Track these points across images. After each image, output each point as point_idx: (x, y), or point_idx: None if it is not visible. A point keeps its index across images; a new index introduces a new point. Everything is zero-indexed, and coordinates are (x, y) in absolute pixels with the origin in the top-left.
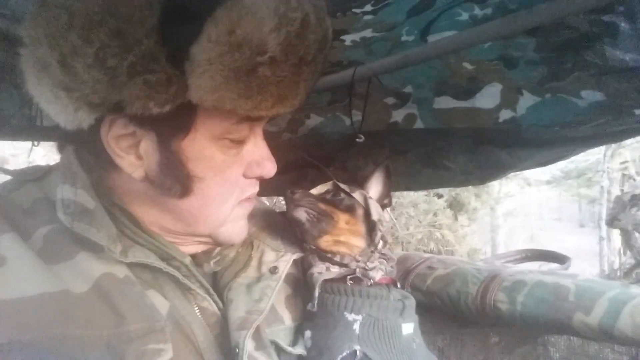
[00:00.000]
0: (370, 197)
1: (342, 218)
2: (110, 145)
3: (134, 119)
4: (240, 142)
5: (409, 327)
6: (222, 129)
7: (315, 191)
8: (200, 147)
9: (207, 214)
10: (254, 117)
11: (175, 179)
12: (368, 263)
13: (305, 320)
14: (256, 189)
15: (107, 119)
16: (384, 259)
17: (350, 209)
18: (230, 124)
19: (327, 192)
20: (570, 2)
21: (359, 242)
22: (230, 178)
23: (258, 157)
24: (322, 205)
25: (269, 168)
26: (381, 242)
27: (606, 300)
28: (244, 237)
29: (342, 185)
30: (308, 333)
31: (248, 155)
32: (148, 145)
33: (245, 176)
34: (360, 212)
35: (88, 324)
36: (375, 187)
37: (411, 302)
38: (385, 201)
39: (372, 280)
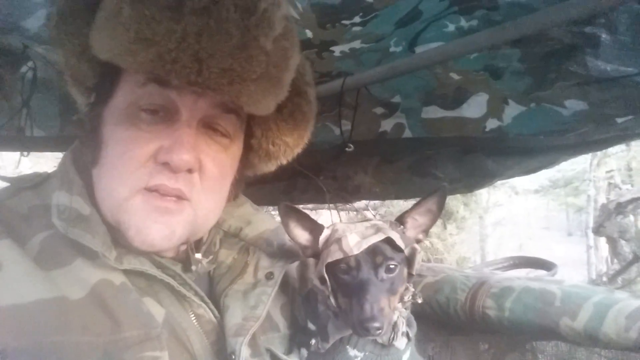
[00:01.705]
0: (419, 251)
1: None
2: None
3: (94, 93)
4: (157, 118)
5: (407, 354)
6: (133, 94)
7: (359, 234)
8: (115, 112)
9: (104, 184)
10: (157, 79)
11: (90, 143)
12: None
13: (302, 334)
14: (172, 182)
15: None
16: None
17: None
18: (138, 87)
19: (376, 252)
20: (553, 15)
21: (395, 306)
22: (134, 154)
23: (172, 141)
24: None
25: (176, 157)
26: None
27: (591, 305)
28: (161, 245)
29: (395, 237)
30: (304, 352)
31: (164, 138)
32: None
33: (155, 160)
34: (405, 273)
35: (84, 330)
36: (420, 215)
37: (413, 331)
38: (420, 236)
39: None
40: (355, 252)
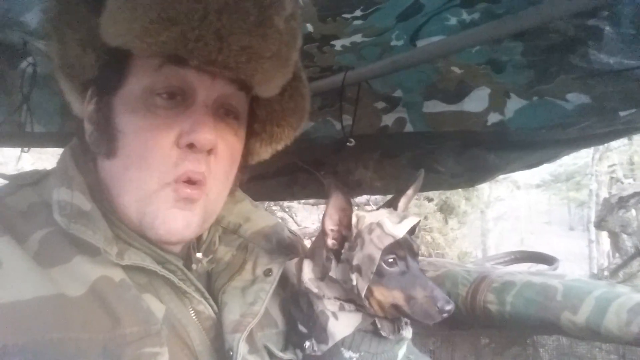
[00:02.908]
0: None
1: None
2: (85, 117)
3: (94, 85)
4: (173, 102)
5: (403, 349)
6: (148, 79)
7: (390, 220)
8: (128, 100)
9: (130, 176)
10: (174, 60)
11: (103, 134)
12: None
13: (294, 334)
14: (197, 167)
15: (87, 95)
16: None
17: None
18: (153, 70)
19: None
20: (555, 7)
21: None
22: (157, 142)
23: (192, 122)
24: None
25: (200, 136)
26: None
27: (593, 299)
28: (182, 234)
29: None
30: (300, 354)
31: (183, 121)
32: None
33: (177, 145)
34: None
35: (84, 327)
36: (408, 200)
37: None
38: None
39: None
40: (401, 235)
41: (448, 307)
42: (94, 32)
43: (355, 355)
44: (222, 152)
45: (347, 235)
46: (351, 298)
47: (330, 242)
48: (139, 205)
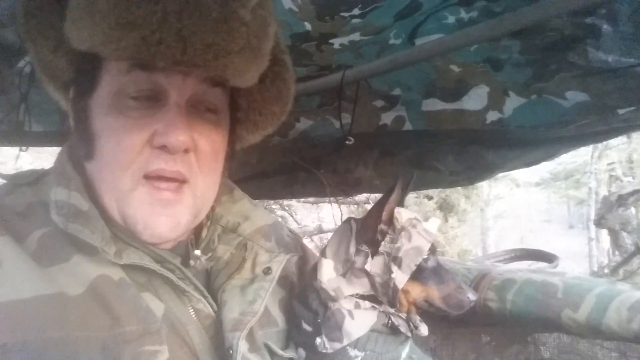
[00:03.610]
0: None
1: None
2: (70, 117)
3: (73, 86)
4: (146, 103)
5: (406, 349)
6: (118, 82)
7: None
8: (102, 102)
9: (105, 177)
10: (141, 65)
11: (81, 136)
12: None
13: (297, 333)
14: (170, 165)
15: (69, 96)
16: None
17: None
18: (122, 75)
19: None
20: (553, 5)
21: None
22: (129, 143)
23: (165, 124)
24: None
25: (172, 138)
26: None
27: (593, 297)
28: (169, 236)
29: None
30: (302, 353)
31: (155, 122)
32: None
33: (151, 145)
34: None
35: (83, 326)
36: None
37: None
38: None
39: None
40: (434, 231)
41: (475, 297)
42: (63, 37)
43: (360, 354)
44: (202, 148)
45: (384, 229)
46: (371, 294)
47: (377, 235)
48: (119, 205)
